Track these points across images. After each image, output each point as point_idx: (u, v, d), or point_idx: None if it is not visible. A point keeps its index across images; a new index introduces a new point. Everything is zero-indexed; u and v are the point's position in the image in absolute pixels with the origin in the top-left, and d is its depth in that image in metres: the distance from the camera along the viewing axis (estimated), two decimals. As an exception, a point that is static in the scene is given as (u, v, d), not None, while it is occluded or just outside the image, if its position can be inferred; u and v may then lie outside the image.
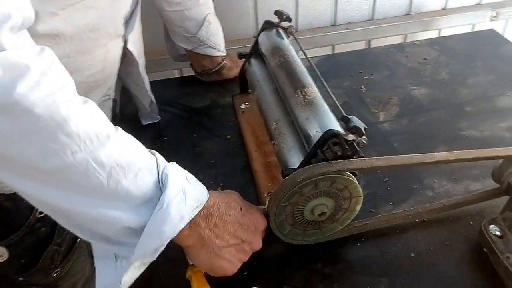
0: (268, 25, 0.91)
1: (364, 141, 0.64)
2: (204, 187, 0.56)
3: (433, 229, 0.72)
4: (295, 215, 0.65)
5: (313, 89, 0.73)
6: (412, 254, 0.68)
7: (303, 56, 0.84)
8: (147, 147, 0.53)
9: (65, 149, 0.42)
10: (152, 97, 0.94)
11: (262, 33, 0.91)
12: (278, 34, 0.89)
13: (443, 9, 1.42)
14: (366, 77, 1.08)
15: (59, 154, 0.42)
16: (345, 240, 0.71)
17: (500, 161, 0.71)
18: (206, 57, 1.03)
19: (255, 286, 0.62)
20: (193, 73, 1.11)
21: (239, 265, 0.60)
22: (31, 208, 0.73)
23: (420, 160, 0.65)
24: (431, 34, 1.42)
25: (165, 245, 0.50)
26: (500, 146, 0.71)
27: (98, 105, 0.75)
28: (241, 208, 0.59)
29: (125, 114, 1.01)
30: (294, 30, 0.91)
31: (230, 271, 0.59)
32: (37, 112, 0.40)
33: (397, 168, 0.65)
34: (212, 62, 1.05)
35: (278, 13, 0.90)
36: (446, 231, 0.71)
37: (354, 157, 0.62)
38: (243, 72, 0.96)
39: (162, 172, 0.50)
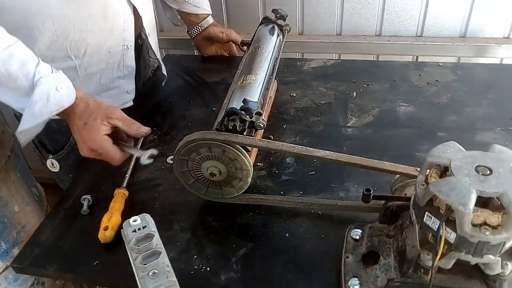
0: (265, 20, 1.04)
1: (261, 124, 0.75)
2: (73, 100, 0.79)
3: (321, 222, 0.79)
4: (195, 171, 0.79)
5: (254, 77, 0.86)
6: (287, 234, 0.77)
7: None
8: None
9: None
10: (161, 61, 1.15)
11: (260, 26, 1.04)
12: (272, 29, 1.02)
13: (506, 37, 1.34)
14: (365, 85, 1.13)
15: None
16: (244, 207, 0.82)
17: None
18: (192, 14, 1.23)
19: (147, 214, 0.78)
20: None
21: (90, 155, 0.83)
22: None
23: (296, 151, 0.74)
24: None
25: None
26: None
27: (117, 53, 0.97)
28: (85, 123, 0.80)
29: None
30: (288, 29, 1.02)
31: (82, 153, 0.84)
32: None
33: (273, 150, 0.75)
34: (198, 17, 1.24)
35: (274, 11, 1.02)
36: (330, 228, 0.78)
37: (244, 134, 0.74)
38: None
39: (35, 82, 0.75)
